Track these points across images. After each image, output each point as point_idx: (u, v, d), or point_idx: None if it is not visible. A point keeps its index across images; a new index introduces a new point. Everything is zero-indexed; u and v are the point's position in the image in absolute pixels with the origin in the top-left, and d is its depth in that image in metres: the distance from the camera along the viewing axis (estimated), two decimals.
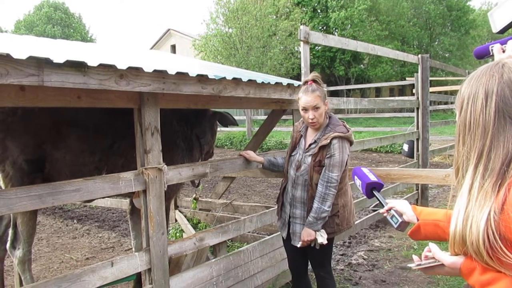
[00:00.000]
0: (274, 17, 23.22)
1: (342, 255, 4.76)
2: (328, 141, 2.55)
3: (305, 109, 2.59)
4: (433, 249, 1.13)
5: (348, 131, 2.63)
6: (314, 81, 2.61)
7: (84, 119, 2.84)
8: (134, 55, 3.44)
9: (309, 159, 2.62)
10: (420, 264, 1.15)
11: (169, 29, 32.51)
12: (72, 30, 37.58)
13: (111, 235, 5.64)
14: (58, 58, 1.74)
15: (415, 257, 1.20)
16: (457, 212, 1.02)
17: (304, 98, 2.58)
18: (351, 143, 2.66)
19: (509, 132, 0.96)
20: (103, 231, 5.83)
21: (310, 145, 2.67)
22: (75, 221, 6.35)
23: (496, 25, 1.57)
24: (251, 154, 3.14)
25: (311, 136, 2.71)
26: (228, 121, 3.86)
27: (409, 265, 1.18)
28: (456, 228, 1.01)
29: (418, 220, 1.40)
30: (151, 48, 33.06)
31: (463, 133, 1.05)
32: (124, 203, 5.56)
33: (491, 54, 1.65)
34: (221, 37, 21.71)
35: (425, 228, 1.36)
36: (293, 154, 2.77)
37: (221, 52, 21.75)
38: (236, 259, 3.12)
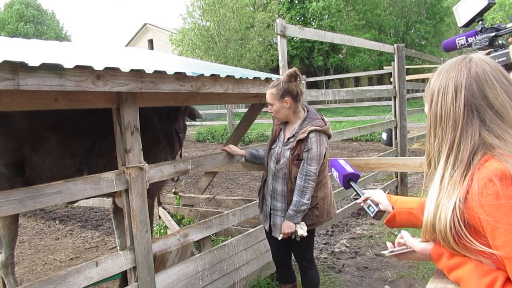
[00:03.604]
0: (251, 9, 23.11)
1: (325, 244, 4.85)
2: (305, 135, 2.59)
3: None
4: (405, 236, 1.19)
5: (326, 125, 2.68)
6: (290, 76, 2.64)
7: (63, 122, 2.82)
8: (111, 53, 3.42)
9: (287, 153, 2.67)
10: (393, 251, 1.21)
11: (145, 24, 32.03)
12: (45, 28, 36.60)
13: (95, 235, 5.61)
14: (33, 61, 1.73)
15: (389, 244, 1.26)
16: (429, 202, 1.07)
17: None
18: (328, 136, 2.71)
19: (475, 124, 1.01)
20: (86, 231, 5.79)
21: (288, 138, 2.72)
22: (57, 222, 6.28)
23: (461, 19, 1.64)
24: (233, 148, 3.17)
25: (289, 129, 2.75)
26: (196, 115, 3.91)
27: (383, 251, 1.24)
28: (428, 217, 1.06)
29: (393, 209, 1.45)
30: (128, 43, 32.59)
31: (434, 125, 1.10)
32: (107, 202, 5.54)
33: (457, 47, 1.72)
34: (199, 31, 21.52)
35: (400, 216, 1.41)
36: (273, 147, 2.82)
37: (199, 46, 21.58)
38: (220, 253, 3.16)
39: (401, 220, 1.41)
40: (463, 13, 1.65)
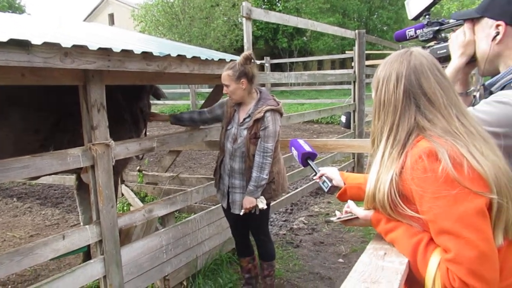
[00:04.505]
0: None
1: (284, 221, 5.07)
2: (262, 114, 2.76)
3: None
4: (351, 205, 1.36)
5: (279, 104, 2.87)
6: (246, 58, 2.77)
7: (27, 97, 2.80)
8: (73, 29, 3.38)
9: (244, 132, 2.81)
10: (340, 218, 1.38)
11: None
12: None
13: (55, 212, 5.57)
14: (1, 37, 1.75)
15: (337, 212, 1.44)
16: (371, 175, 1.24)
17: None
18: (281, 114, 2.90)
19: (412, 109, 1.17)
20: (46, 208, 5.73)
21: (244, 119, 2.86)
22: (14, 199, 6.17)
23: (411, 13, 1.80)
24: (156, 117, 3.46)
25: (244, 110, 2.89)
26: (161, 94, 3.96)
27: (331, 218, 1.40)
28: (369, 188, 1.23)
29: (345, 184, 1.62)
30: (88, 17, 31.31)
31: (378, 109, 1.25)
32: (68, 180, 5.49)
33: (407, 38, 1.89)
34: (162, 7, 21.00)
35: (350, 191, 1.58)
36: (228, 128, 2.94)
37: (163, 23, 21.09)
38: (184, 228, 3.28)
39: (351, 194, 1.58)
40: (413, 7, 1.81)
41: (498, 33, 1.37)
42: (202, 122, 3.26)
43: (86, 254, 3.55)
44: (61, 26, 3.35)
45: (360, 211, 1.30)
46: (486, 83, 1.49)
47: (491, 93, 1.42)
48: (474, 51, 1.52)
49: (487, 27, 1.41)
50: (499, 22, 1.36)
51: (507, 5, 1.35)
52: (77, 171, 3.18)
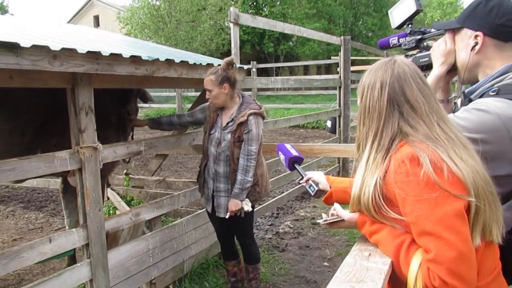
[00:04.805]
0: None
1: (270, 225, 5.11)
2: (245, 118, 2.80)
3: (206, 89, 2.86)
4: (337, 208, 1.40)
5: (261, 108, 2.92)
6: (228, 63, 2.82)
7: (12, 99, 2.79)
8: (59, 32, 3.38)
9: (228, 136, 2.85)
10: (326, 220, 1.42)
11: None
12: None
13: (39, 216, 5.51)
14: None
15: (323, 214, 1.48)
16: (357, 179, 1.28)
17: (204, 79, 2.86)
18: (263, 118, 2.95)
19: (395, 116, 1.22)
20: (30, 212, 5.66)
21: (227, 123, 2.90)
22: None
23: (394, 22, 1.86)
24: (136, 123, 3.46)
25: (227, 115, 2.94)
26: (148, 97, 3.97)
27: (318, 220, 1.44)
28: (355, 191, 1.27)
29: (330, 188, 1.66)
30: (72, 18, 30.99)
31: (363, 116, 1.30)
32: (52, 183, 5.43)
33: (391, 46, 1.95)
34: (149, 10, 20.92)
35: (336, 194, 1.62)
36: (211, 132, 2.97)
37: (149, 25, 21.01)
38: (171, 232, 3.29)
39: (337, 197, 1.62)
40: (396, 16, 1.88)
41: (476, 43, 1.43)
42: (181, 126, 3.32)
43: (71, 258, 3.52)
44: (46, 27, 3.34)
45: (346, 214, 1.35)
46: (466, 91, 1.55)
47: (470, 100, 1.48)
48: (455, 60, 1.58)
49: (467, 37, 1.47)
50: (477, 33, 1.43)
51: (485, 17, 1.41)
52: (64, 174, 3.17)
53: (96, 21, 29.92)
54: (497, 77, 1.41)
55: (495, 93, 1.36)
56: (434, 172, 1.06)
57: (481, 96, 1.43)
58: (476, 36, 1.44)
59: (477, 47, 1.44)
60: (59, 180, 3.99)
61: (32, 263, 2.26)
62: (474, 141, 1.26)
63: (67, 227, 3.66)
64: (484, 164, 1.18)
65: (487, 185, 1.12)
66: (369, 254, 1.16)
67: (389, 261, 1.12)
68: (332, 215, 1.42)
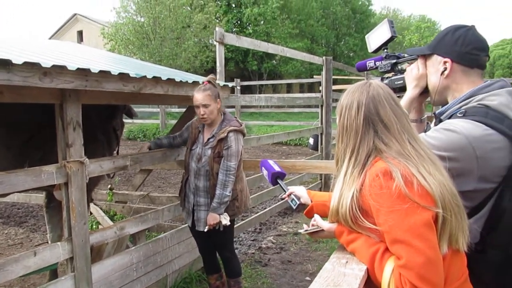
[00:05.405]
0: (189, 8, 23.01)
1: (253, 240, 5.15)
2: (225, 134, 2.90)
3: (197, 106, 2.91)
4: (317, 219, 1.49)
5: (241, 125, 3.03)
6: (209, 82, 2.94)
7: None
8: (49, 48, 3.43)
9: (209, 152, 2.94)
10: (307, 230, 1.51)
11: (75, 14, 30.50)
12: None
13: (18, 231, 5.43)
14: None
15: (305, 225, 1.57)
16: (335, 192, 1.37)
17: (196, 95, 2.91)
18: (243, 135, 3.05)
19: (370, 134, 1.32)
20: (9, 228, 5.57)
21: (208, 139, 2.99)
22: None
23: (371, 46, 1.99)
24: (143, 149, 3.39)
25: (208, 131, 3.03)
26: (133, 113, 4.03)
27: (300, 230, 1.53)
28: (333, 203, 1.36)
29: (312, 202, 1.75)
30: (55, 34, 30.86)
31: (341, 134, 1.40)
32: (33, 198, 5.38)
33: (368, 69, 2.08)
34: (133, 26, 21.02)
35: (316, 208, 1.71)
36: (193, 148, 3.06)
37: (133, 41, 21.06)
38: (155, 246, 3.32)
39: (317, 210, 1.71)
40: (373, 41, 2.01)
41: (445, 69, 1.56)
42: (177, 146, 3.45)
43: (53, 272, 3.50)
44: (32, 43, 3.39)
45: (325, 224, 1.44)
46: (437, 112, 1.68)
47: (440, 121, 1.60)
48: (427, 83, 1.71)
49: (437, 63, 1.61)
50: (446, 59, 1.56)
51: (453, 45, 1.55)
52: (48, 188, 3.18)
53: (80, 37, 29.86)
54: (464, 100, 1.53)
55: (462, 114, 1.48)
56: (405, 185, 1.16)
57: (450, 117, 1.55)
58: (445, 62, 1.57)
59: (446, 72, 1.57)
60: (41, 195, 3.98)
61: (17, 276, 2.27)
62: (443, 158, 1.37)
63: (49, 242, 3.65)
64: (451, 179, 1.28)
65: (453, 197, 1.22)
66: (346, 262, 1.25)
67: (365, 268, 1.21)
68: (313, 225, 1.50)
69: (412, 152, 1.25)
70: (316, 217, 1.51)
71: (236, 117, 3.13)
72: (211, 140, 2.97)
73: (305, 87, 32.63)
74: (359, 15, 35.63)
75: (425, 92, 1.74)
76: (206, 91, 2.90)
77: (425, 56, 1.68)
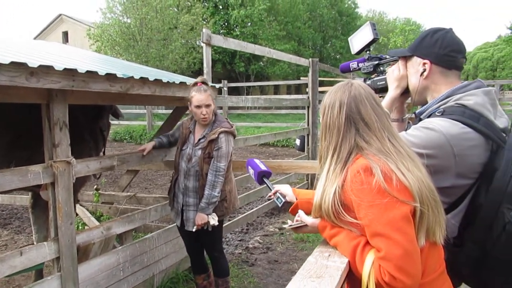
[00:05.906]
0: (175, 10, 22.95)
1: (240, 240, 5.18)
2: (216, 135, 2.93)
3: (199, 107, 2.93)
4: (301, 214, 1.54)
5: (232, 127, 3.07)
6: (203, 83, 2.99)
7: None
8: (35, 48, 3.42)
9: (199, 152, 2.97)
10: (291, 225, 1.55)
11: (60, 15, 30.16)
12: None
13: (3, 233, 5.37)
14: None
15: (289, 220, 1.61)
16: (318, 188, 1.42)
17: (198, 96, 2.93)
18: (234, 136, 3.09)
19: (352, 132, 1.37)
20: None
21: (199, 139, 3.02)
22: None
23: (354, 48, 2.05)
24: (147, 148, 3.34)
25: (199, 131, 3.06)
26: (119, 114, 4.02)
27: (284, 225, 1.57)
28: (316, 199, 1.41)
29: (296, 199, 1.79)
30: (40, 34, 30.47)
31: (324, 132, 1.45)
32: (18, 199, 5.33)
33: (351, 70, 2.13)
34: (119, 27, 20.88)
35: (301, 205, 1.75)
36: (183, 148, 3.08)
37: (119, 42, 20.92)
38: (142, 246, 3.33)
39: (302, 208, 1.75)
40: (355, 43, 2.07)
41: (425, 70, 1.62)
42: (174, 145, 3.42)
43: (38, 272, 3.48)
44: (18, 44, 3.38)
45: (309, 219, 1.48)
46: (417, 111, 1.74)
47: (420, 120, 1.66)
48: (407, 84, 1.77)
49: (416, 64, 1.67)
50: (425, 61, 1.62)
51: (432, 47, 1.61)
52: (34, 189, 3.17)
53: (65, 37, 29.54)
54: (442, 100, 1.60)
55: (440, 113, 1.54)
56: (384, 181, 1.21)
57: (429, 116, 1.61)
58: (424, 64, 1.63)
59: (425, 73, 1.63)
60: (26, 196, 3.96)
61: (3, 276, 2.26)
62: (421, 155, 1.42)
63: (35, 243, 3.62)
64: (430, 176, 1.34)
65: (431, 193, 1.28)
66: (329, 255, 1.29)
67: (346, 260, 1.25)
68: (297, 221, 1.55)
69: (392, 149, 1.30)
70: (300, 212, 1.55)
71: (227, 119, 3.16)
72: (201, 140, 2.99)
73: (292, 88, 32.80)
74: (346, 18, 36.00)
75: (406, 92, 1.81)
76: (206, 92, 2.94)
77: (406, 58, 1.74)
